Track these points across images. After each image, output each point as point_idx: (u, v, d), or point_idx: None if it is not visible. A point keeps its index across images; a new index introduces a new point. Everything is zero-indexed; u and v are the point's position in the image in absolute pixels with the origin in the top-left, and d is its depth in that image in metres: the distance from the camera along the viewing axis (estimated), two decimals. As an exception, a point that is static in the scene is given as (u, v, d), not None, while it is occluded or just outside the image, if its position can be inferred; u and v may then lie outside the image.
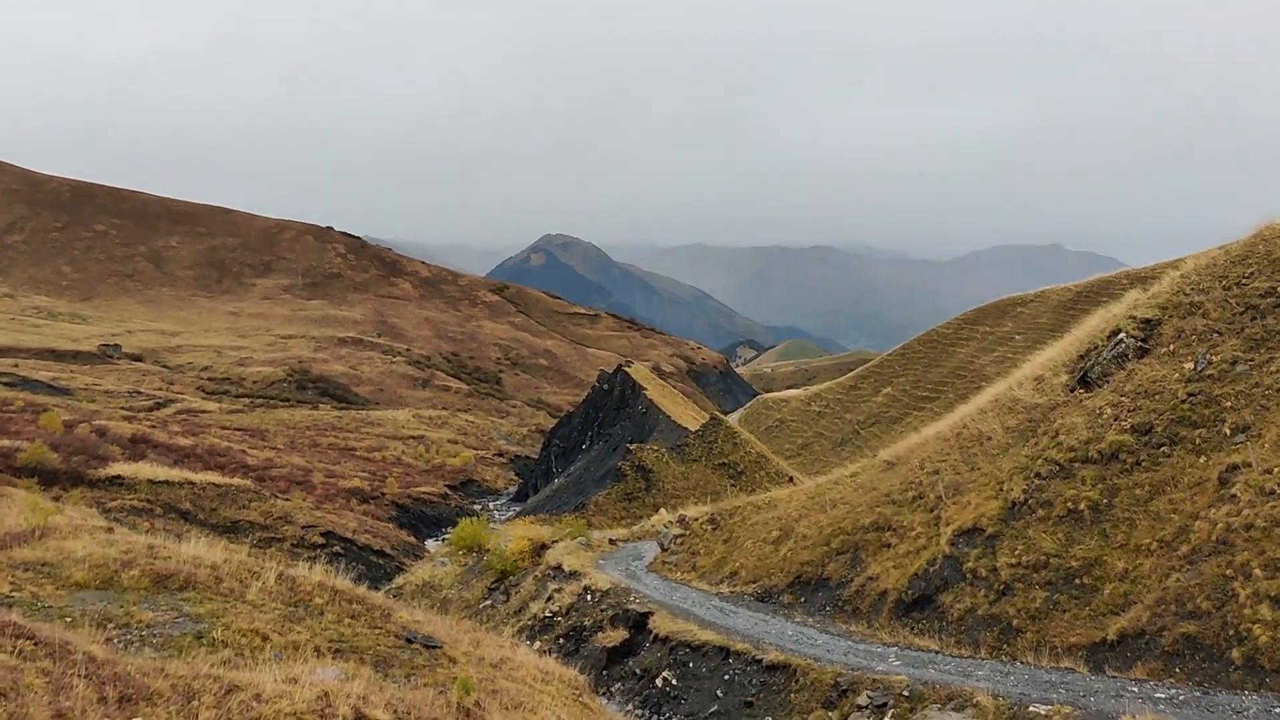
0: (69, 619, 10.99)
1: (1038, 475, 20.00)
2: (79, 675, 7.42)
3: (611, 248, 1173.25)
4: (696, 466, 55.79)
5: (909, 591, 20.27)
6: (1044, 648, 16.71)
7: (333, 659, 11.49)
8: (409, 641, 12.53)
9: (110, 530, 15.25)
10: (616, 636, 22.08)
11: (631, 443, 66.60)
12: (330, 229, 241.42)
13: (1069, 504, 18.82)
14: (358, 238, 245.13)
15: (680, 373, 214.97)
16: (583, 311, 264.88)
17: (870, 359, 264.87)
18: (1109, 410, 20.06)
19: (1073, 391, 21.96)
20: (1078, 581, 17.63)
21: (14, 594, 11.43)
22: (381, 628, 12.85)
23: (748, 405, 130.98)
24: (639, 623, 22.42)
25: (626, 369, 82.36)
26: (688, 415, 75.70)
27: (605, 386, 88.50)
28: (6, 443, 51.98)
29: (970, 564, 19.43)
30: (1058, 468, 19.83)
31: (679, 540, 28.94)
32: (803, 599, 22.90)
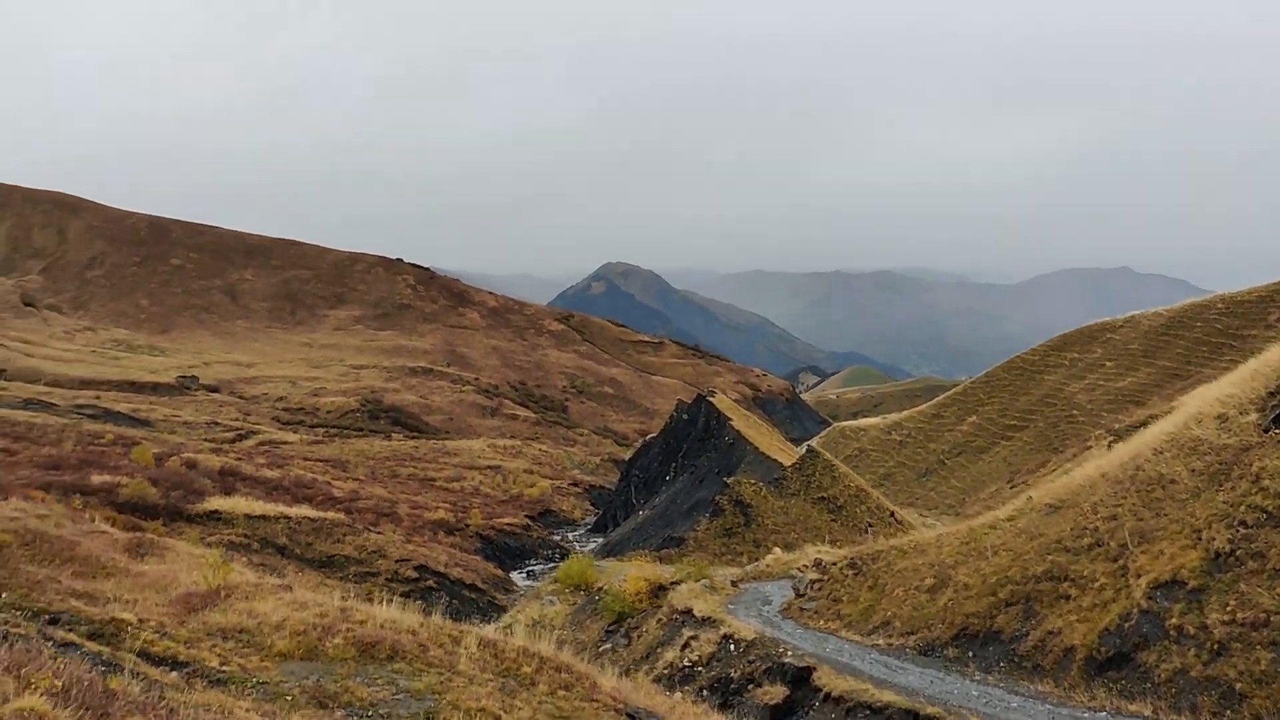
0: (289, 697, 10.16)
1: (1243, 524, 18.49)
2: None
3: (670, 274, 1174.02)
4: (795, 501, 54.36)
5: (1101, 648, 18.82)
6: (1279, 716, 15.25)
7: (562, 740, 10.53)
8: (631, 717, 11.55)
9: (289, 589, 14.51)
10: (776, 693, 20.88)
11: (719, 475, 65.35)
12: (400, 260, 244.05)
13: (1287, 556, 17.32)
14: (426, 269, 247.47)
15: (746, 400, 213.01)
16: (647, 339, 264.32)
17: (938, 385, 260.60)
18: (1320, 453, 18.55)
19: (1267, 431, 20.42)
20: (1309, 643, 16.13)
21: (224, 668, 10.64)
22: (596, 700, 11.88)
23: (824, 434, 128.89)
24: (798, 678, 21.20)
25: (710, 399, 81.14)
26: (774, 446, 74.25)
27: (686, 416, 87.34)
28: (107, 478, 52.25)
29: (1174, 620, 17.97)
30: (1265, 515, 18.32)
31: (816, 585, 27.67)
32: (971, 653, 21.52)
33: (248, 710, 9.12)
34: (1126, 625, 18.79)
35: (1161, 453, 22.52)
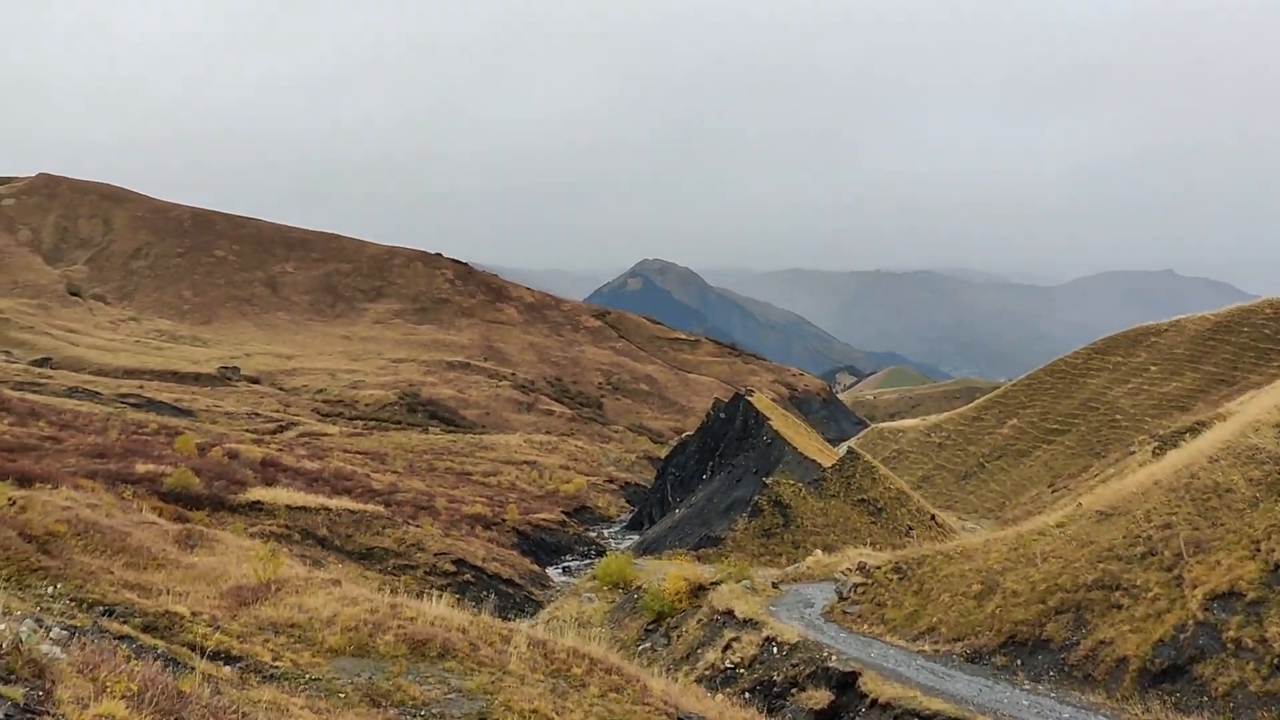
0: (342, 694, 10.13)
1: (1304, 535, 18.07)
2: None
3: (707, 272, 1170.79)
4: (835, 502, 53.95)
5: (1155, 660, 18.45)
6: (1346, 736, 14.86)
7: (614, 744, 10.42)
8: (682, 722, 11.45)
9: (338, 583, 14.53)
10: (821, 698, 20.67)
11: (757, 474, 65.04)
12: (439, 255, 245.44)
13: (1351, 570, 16.90)
14: (465, 264, 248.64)
15: (783, 400, 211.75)
16: (683, 337, 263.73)
17: (977, 386, 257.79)
18: (1387, 464, 18.07)
19: (1329, 441, 19.95)
20: (1375, 660, 15.71)
21: (276, 663, 10.64)
22: (647, 703, 11.78)
23: (862, 434, 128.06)
24: (843, 683, 20.98)
25: (748, 398, 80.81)
26: (813, 447, 73.81)
27: (723, 415, 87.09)
28: (152, 467, 52.84)
29: (1232, 632, 17.58)
30: (1328, 528, 17.90)
31: (859, 588, 27.41)
32: (1019, 661, 21.20)
33: (301, 707, 9.10)
34: (1182, 636, 18.41)
35: (1217, 461, 22.05)
